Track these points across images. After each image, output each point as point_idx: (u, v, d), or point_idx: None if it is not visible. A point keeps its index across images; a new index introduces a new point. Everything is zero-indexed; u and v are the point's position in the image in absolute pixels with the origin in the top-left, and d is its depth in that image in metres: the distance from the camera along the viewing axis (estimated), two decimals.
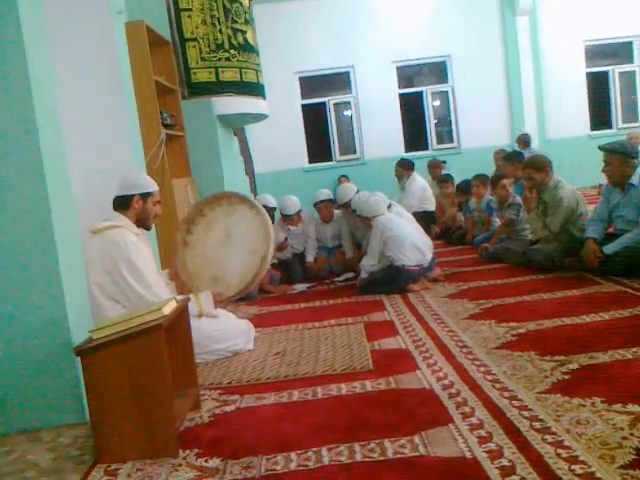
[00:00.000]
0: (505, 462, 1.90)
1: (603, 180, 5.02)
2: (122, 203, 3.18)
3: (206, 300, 3.39)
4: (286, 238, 5.75)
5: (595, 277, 4.32)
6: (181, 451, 2.24)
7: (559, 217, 4.73)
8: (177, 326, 2.60)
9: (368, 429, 2.27)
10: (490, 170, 8.00)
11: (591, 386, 2.41)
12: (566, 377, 2.55)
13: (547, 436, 2.04)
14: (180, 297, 3.05)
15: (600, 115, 12.55)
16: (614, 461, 1.83)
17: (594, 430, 2.04)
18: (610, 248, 4.28)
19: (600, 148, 4.48)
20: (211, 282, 3.61)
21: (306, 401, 2.65)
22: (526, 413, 2.24)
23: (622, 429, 2.02)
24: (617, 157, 4.34)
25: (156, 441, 2.22)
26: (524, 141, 9.46)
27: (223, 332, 3.40)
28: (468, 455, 1.98)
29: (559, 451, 1.93)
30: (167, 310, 2.36)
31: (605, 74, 12.51)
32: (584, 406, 2.24)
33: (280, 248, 5.72)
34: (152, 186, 3.25)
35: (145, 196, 3.20)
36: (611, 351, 2.78)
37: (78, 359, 2.27)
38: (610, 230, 4.57)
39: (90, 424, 2.28)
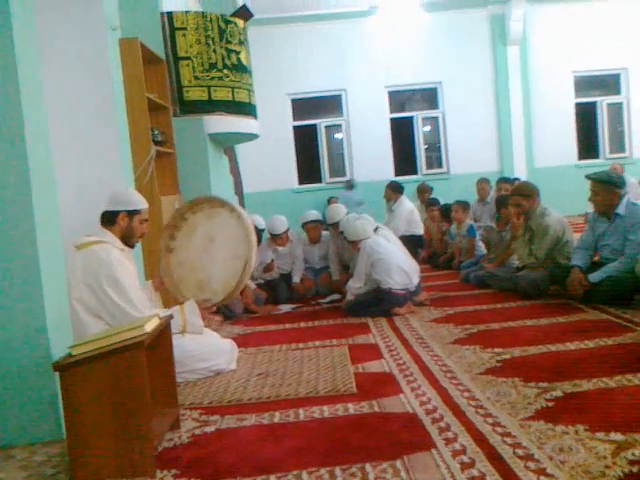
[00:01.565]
0: None
1: (589, 209, 5.06)
2: (108, 218, 3.15)
3: (191, 311, 3.33)
4: (272, 260, 5.72)
5: (580, 305, 4.33)
6: (159, 472, 2.20)
7: (545, 244, 4.76)
8: (159, 344, 2.57)
9: (350, 453, 2.24)
10: (476, 197, 8.07)
11: (575, 414, 2.40)
12: (550, 404, 2.54)
13: (530, 463, 2.02)
14: (163, 312, 3.02)
15: (588, 145, 12.72)
16: None
17: (577, 458, 2.02)
18: (595, 277, 4.30)
19: (587, 177, 4.52)
20: (196, 289, 3.53)
21: (288, 423, 2.61)
22: (509, 440, 2.22)
23: (605, 458, 2.01)
24: (604, 186, 4.38)
25: (133, 461, 2.18)
26: (349, 185, 11.29)
27: (205, 351, 3.36)
28: None
29: (542, 478, 1.91)
30: (149, 327, 2.33)
31: (593, 105, 12.71)
32: (567, 434, 2.22)
33: (267, 270, 5.69)
34: (140, 204, 3.21)
35: (132, 213, 3.16)
36: (595, 379, 2.78)
37: (56, 375, 2.23)
38: (595, 259, 4.59)
39: (66, 442, 2.23)
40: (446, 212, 7.12)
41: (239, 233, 3.56)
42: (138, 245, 3.80)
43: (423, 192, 8.71)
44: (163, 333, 2.59)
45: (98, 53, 3.85)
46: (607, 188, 4.37)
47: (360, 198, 10.64)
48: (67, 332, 2.70)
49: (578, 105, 12.55)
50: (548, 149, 12.14)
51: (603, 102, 12.64)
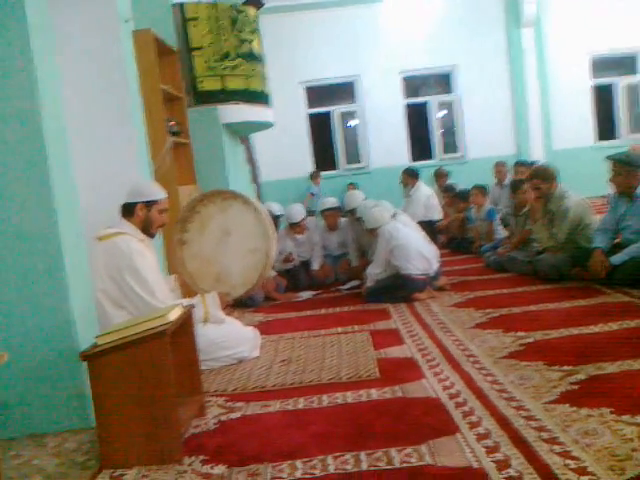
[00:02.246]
0: (513, 472, 1.88)
1: (609, 190, 5.00)
2: (127, 210, 3.18)
3: (212, 302, 3.36)
4: (290, 254, 5.73)
5: (602, 287, 4.29)
6: (186, 458, 2.24)
7: (565, 227, 4.72)
8: (182, 332, 2.59)
9: (374, 437, 2.26)
10: (494, 181, 8.01)
11: (599, 397, 2.39)
12: (574, 387, 2.53)
13: (555, 446, 2.02)
14: (186, 301, 3.05)
15: (605, 126, 12.54)
16: (624, 472, 1.81)
17: (603, 441, 2.02)
18: (617, 258, 4.25)
19: (608, 158, 4.47)
20: (214, 282, 3.55)
21: (312, 409, 2.63)
22: (534, 423, 2.22)
23: (631, 440, 2.00)
24: (625, 167, 4.33)
25: (161, 447, 2.21)
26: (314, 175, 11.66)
27: (229, 339, 3.39)
28: (475, 465, 1.96)
29: (567, 462, 1.91)
30: (172, 316, 2.35)
31: (610, 85, 12.52)
32: (592, 416, 2.22)
33: (286, 261, 5.70)
34: (158, 194, 3.22)
35: (149, 204, 3.18)
36: (619, 362, 2.76)
37: (84, 364, 2.27)
38: (617, 240, 4.55)
39: (95, 430, 2.28)
40: (461, 197, 7.09)
41: (256, 226, 3.57)
42: (159, 241, 3.83)
43: (440, 177, 8.66)
44: (186, 322, 2.61)
45: (112, 46, 3.86)
46: (628, 169, 4.32)
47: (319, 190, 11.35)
48: (93, 323, 2.75)
49: (595, 86, 12.36)
50: (566, 131, 11.98)
51: (620, 83, 12.45)
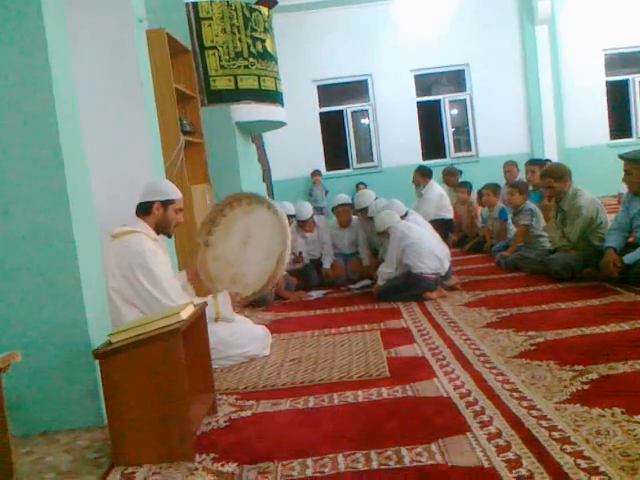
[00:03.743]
0: (523, 472, 1.88)
1: (623, 189, 4.97)
2: (143, 209, 3.19)
3: (223, 302, 3.38)
4: (300, 253, 5.73)
5: (615, 287, 4.26)
6: (197, 455, 2.25)
7: (578, 226, 4.69)
8: (194, 331, 2.61)
9: (384, 436, 2.26)
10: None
11: (611, 396, 2.38)
12: (585, 387, 2.52)
13: (566, 446, 2.01)
14: (198, 300, 3.07)
15: (620, 124, 12.44)
16: (636, 473, 1.80)
17: (614, 441, 2.01)
18: (630, 258, 4.22)
19: (620, 157, 4.44)
20: (230, 282, 3.58)
21: (322, 407, 2.64)
22: (545, 423, 2.21)
23: None
24: (638, 166, 4.29)
25: (173, 445, 2.23)
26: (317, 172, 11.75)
27: (239, 338, 3.40)
28: (486, 464, 1.96)
29: (579, 461, 1.90)
30: (185, 315, 2.37)
31: (625, 83, 12.41)
32: (604, 416, 2.21)
33: (295, 261, 5.71)
34: (174, 194, 3.24)
35: (166, 203, 3.20)
36: (631, 361, 2.75)
37: (97, 362, 2.29)
38: (630, 239, 4.51)
39: (107, 427, 2.30)
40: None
41: (275, 231, 3.60)
42: (170, 240, 3.85)
43: (449, 175, 8.60)
44: (198, 320, 2.63)
45: (126, 46, 3.88)
46: None
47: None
48: (105, 322, 2.77)
49: (609, 83, 12.26)
50: (579, 129, 11.91)
51: (635, 80, 12.33)
